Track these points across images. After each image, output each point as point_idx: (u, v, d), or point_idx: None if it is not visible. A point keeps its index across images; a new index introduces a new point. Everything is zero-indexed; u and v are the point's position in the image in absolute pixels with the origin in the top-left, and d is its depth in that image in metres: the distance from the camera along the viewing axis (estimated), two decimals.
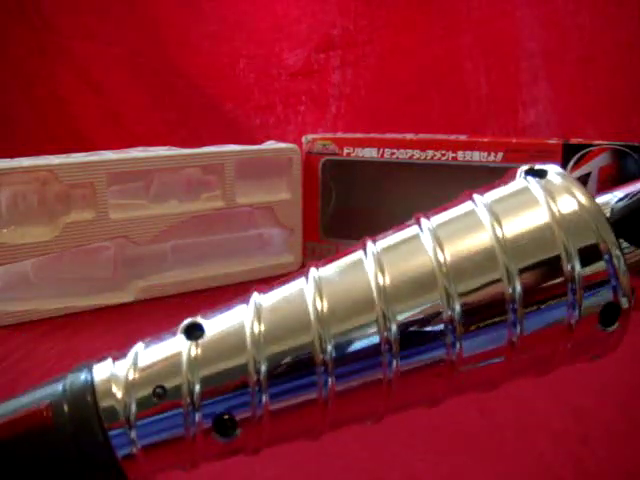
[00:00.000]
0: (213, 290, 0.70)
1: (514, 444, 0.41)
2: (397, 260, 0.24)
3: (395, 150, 0.73)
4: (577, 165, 0.66)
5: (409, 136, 0.74)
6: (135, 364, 0.25)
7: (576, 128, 0.80)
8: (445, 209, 0.25)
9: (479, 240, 0.23)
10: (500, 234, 0.23)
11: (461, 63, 0.86)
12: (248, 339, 0.24)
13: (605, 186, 0.65)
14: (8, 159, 0.62)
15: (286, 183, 0.75)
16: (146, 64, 0.97)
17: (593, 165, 0.65)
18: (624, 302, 0.23)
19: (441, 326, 0.23)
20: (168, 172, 0.68)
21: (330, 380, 0.23)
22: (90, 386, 0.24)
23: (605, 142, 0.65)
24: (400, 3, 0.87)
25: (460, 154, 0.71)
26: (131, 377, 0.24)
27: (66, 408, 0.24)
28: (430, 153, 0.72)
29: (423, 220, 0.25)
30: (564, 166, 0.67)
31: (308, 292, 0.24)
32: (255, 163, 0.73)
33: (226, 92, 0.96)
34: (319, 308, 0.23)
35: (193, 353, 0.24)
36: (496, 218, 0.24)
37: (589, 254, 0.23)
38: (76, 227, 0.63)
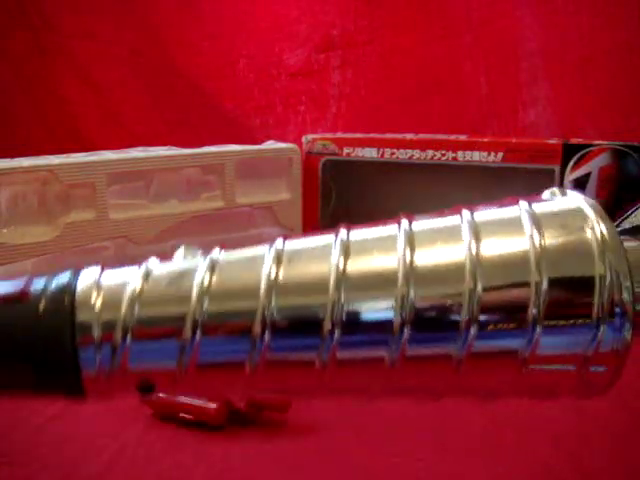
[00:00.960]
0: None
1: (514, 444, 0.41)
2: (429, 243, 0.24)
3: (395, 150, 0.73)
4: (577, 165, 0.66)
5: (409, 136, 0.74)
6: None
7: (576, 128, 0.80)
8: (490, 207, 0.25)
9: (518, 243, 0.23)
10: (540, 242, 0.23)
11: (461, 63, 0.86)
12: (263, 285, 0.23)
13: (605, 186, 0.65)
14: (8, 159, 0.62)
15: (286, 183, 0.75)
16: (146, 64, 0.97)
17: (593, 165, 0.65)
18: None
19: (458, 318, 0.22)
20: (168, 172, 0.68)
21: (333, 345, 0.23)
22: (71, 293, 0.23)
23: (605, 142, 0.65)
24: (400, 3, 0.87)
25: (460, 154, 0.71)
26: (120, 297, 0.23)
27: (41, 307, 0.23)
28: (430, 153, 0.72)
29: (465, 212, 0.25)
30: (564, 166, 0.67)
31: (334, 253, 0.24)
32: (255, 163, 0.73)
33: (226, 92, 0.96)
34: (340, 270, 0.23)
35: (206, 281, 0.23)
36: (538, 227, 0.23)
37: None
38: (76, 227, 0.63)
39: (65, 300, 0.23)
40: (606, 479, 0.38)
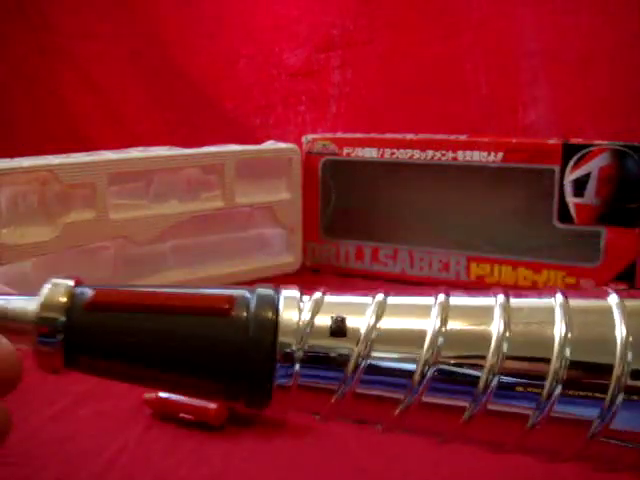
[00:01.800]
0: None
1: None
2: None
3: (395, 150, 0.73)
4: (577, 165, 0.66)
5: (409, 136, 0.74)
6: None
7: (576, 128, 0.80)
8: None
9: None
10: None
11: (461, 63, 0.85)
12: (427, 341, 0.25)
13: (605, 186, 0.65)
14: (8, 159, 0.62)
15: (286, 183, 0.75)
16: (146, 64, 0.97)
17: (593, 165, 0.65)
18: None
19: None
20: (168, 172, 0.68)
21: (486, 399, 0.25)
22: (274, 315, 0.25)
23: (605, 142, 0.65)
24: (400, 3, 0.87)
25: (460, 154, 0.71)
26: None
27: (249, 311, 0.25)
28: (430, 153, 0.72)
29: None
30: (564, 166, 0.67)
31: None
32: (255, 163, 0.73)
33: (226, 92, 0.96)
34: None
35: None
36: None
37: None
38: (76, 227, 0.63)
39: (269, 321, 0.25)
40: (606, 479, 0.38)
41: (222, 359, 0.25)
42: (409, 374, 0.25)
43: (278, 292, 0.26)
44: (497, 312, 0.25)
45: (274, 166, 0.75)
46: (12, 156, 0.63)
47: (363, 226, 0.78)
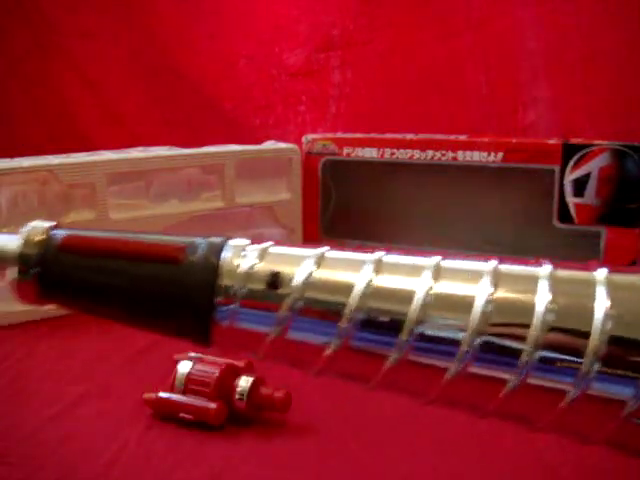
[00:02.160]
0: None
1: (514, 444, 0.41)
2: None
3: (395, 150, 0.73)
4: (577, 165, 0.66)
5: (409, 136, 0.74)
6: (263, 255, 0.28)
7: (576, 128, 0.80)
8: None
9: (591, 302, 0.25)
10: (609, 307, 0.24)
11: (461, 63, 0.85)
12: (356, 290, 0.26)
13: (605, 186, 0.65)
14: (8, 159, 0.62)
15: (286, 183, 0.75)
16: (146, 64, 0.97)
17: (593, 165, 0.65)
18: None
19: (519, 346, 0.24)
20: (168, 172, 0.68)
21: (405, 349, 0.26)
22: (217, 260, 0.27)
23: (605, 142, 0.65)
24: (400, 3, 0.87)
25: (460, 154, 0.71)
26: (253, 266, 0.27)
27: (196, 257, 0.27)
28: (430, 153, 0.72)
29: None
30: (564, 166, 0.67)
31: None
32: (255, 163, 0.73)
33: (226, 92, 0.96)
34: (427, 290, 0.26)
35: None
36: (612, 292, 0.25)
37: None
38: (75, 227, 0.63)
39: (211, 265, 0.27)
40: (606, 479, 0.38)
41: (171, 300, 0.28)
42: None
43: (226, 241, 0.28)
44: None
45: (274, 166, 0.75)
46: (12, 156, 0.63)
47: (363, 226, 0.78)
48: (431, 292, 0.26)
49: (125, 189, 0.68)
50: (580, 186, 0.66)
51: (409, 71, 0.88)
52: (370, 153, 0.75)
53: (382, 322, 0.26)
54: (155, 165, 0.67)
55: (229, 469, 0.39)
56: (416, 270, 0.26)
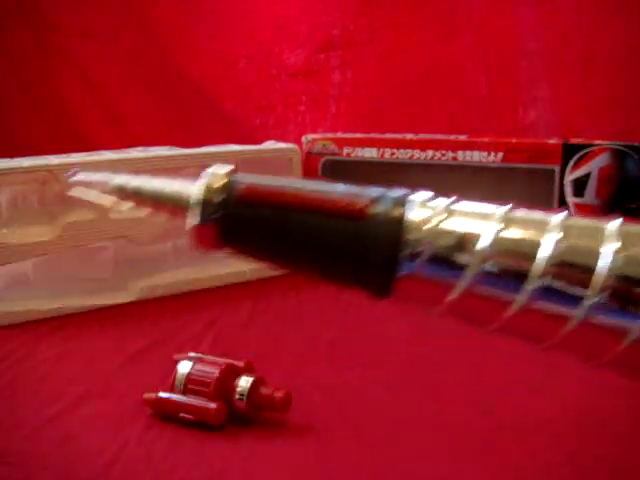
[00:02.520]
0: (213, 290, 0.70)
1: (514, 444, 0.41)
2: None
3: (395, 150, 0.73)
4: (577, 165, 0.66)
5: (409, 136, 0.74)
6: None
7: (576, 128, 0.80)
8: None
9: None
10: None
11: (461, 63, 0.86)
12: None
13: (605, 186, 0.65)
14: (8, 159, 0.62)
15: None
16: (146, 64, 0.97)
17: (593, 165, 0.65)
18: None
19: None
20: (168, 172, 0.68)
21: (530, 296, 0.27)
22: (403, 213, 0.28)
23: (605, 142, 0.65)
24: (400, 3, 0.87)
25: (460, 154, 0.71)
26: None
27: (381, 212, 0.28)
28: (430, 153, 0.72)
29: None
30: (564, 166, 0.67)
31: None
32: (255, 163, 0.73)
33: (226, 92, 0.96)
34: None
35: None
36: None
37: None
38: (76, 227, 0.63)
39: (397, 220, 0.28)
40: (606, 479, 0.38)
41: (354, 254, 0.28)
42: (524, 280, 0.27)
43: (408, 194, 0.30)
44: (609, 233, 0.27)
45: (274, 166, 0.75)
46: (12, 156, 0.63)
47: None
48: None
49: None
50: (580, 186, 0.66)
51: (409, 71, 0.88)
52: (370, 153, 0.75)
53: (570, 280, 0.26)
54: (155, 165, 0.67)
55: (229, 469, 0.39)
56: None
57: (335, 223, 0.28)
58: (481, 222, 0.28)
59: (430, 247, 0.27)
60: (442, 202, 0.29)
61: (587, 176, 0.66)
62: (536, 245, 0.27)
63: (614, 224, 0.27)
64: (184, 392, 0.43)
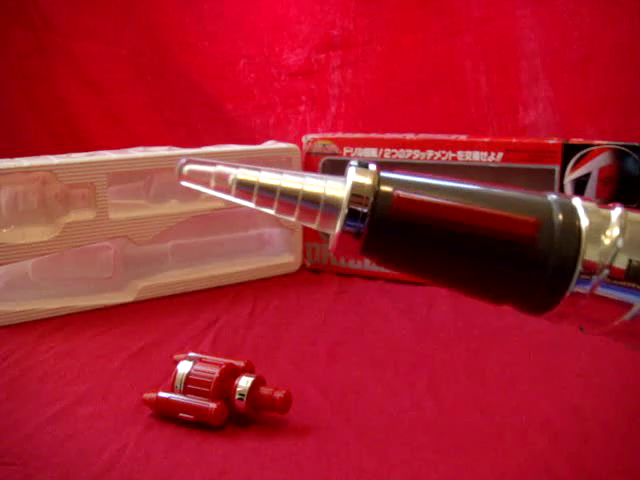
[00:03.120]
0: (213, 290, 0.70)
1: (514, 444, 0.41)
2: None
3: (395, 150, 0.73)
4: (577, 165, 0.66)
5: (409, 136, 0.74)
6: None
7: (576, 128, 0.80)
8: None
9: None
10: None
11: (461, 63, 0.85)
12: None
13: (605, 186, 0.65)
14: (8, 159, 0.62)
15: None
16: (146, 64, 0.97)
17: (593, 165, 0.65)
18: None
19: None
20: (168, 172, 0.68)
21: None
22: (578, 225, 0.26)
23: (605, 142, 0.65)
24: (400, 3, 0.87)
25: (460, 154, 0.71)
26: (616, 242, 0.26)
27: (554, 233, 0.26)
28: (430, 153, 0.72)
29: None
30: (564, 166, 0.67)
31: None
32: (255, 163, 0.73)
33: (226, 92, 0.96)
34: None
35: None
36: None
37: None
38: (76, 227, 0.63)
39: (573, 243, 0.26)
40: (606, 479, 0.38)
41: (522, 279, 0.26)
42: None
43: (576, 207, 0.27)
44: None
45: (274, 166, 0.75)
46: (12, 156, 0.63)
47: None
48: None
49: (125, 189, 0.68)
50: (580, 186, 0.66)
51: (409, 71, 0.88)
52: (370, 153, 0.75)
53: None
54: (155, 165, 0.67)
55: (229, 469, 0.39)
56: None
57: (501, 246, 0.26)
58: None
59: (605, 270, 0.25)
60: (614, 212, 0.27)
61: (587, 176, 0.66)
62: None
63: None
64: (184, 392, 0.43)
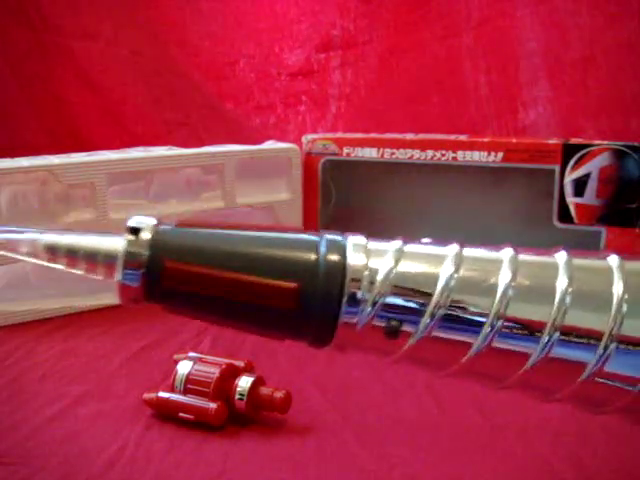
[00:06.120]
0: None
1: (514, 444, 0.41)
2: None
3: (395, 150, 0.73)
4: (577, 165, 0.66)
5: (409, 136, 0.74)
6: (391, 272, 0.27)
7: (576, 128, 0.80)
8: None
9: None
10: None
11: (461, 63, 0.86)
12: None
13: (605, 186, 0.65)
14: (8, 159, 0.62)
15: (286, 183, 0.75)
16: (146, 64, 0.97)
17: (593, 165, 0.65)
18: None
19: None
20: (168, 172, 0.68)
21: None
22: (342, 274, 0.27)
23: (605, 142, 0.65)
24: (400, 3, 0.87)
25: (460, 154, 0.71)
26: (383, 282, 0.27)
27: (314, 299, 0.27)
28: (430, 153, 0.72)
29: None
30: (564, 166, 0.67)
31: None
32: (255, 163, 0.73)
33: (226, 92, 0.96)
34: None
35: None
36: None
37: None
38: (76, 227, 0.63)
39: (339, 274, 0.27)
40: (606, 479, 0.38)
41: (289, 330, 0.28)
42: (480, 324, 0.27)
43: (345, 265, 0.27)
44: (562, 270, 0.27)
45: (274, 166, 0.75)
46: (12, 156, 0.63)
47: (363, 226, 0.77)
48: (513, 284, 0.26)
49: (125, 189, 0.68)
50: (580, 186, 0.66)
51: (409, 71, 0.88)
52: (370, 153, 0.75)
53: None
54: (155, 165, 0.67)
55: (229, 469, 0.39)
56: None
57: (267, 312, 0.27)
58: (432, 266, 0.27)
59: (376, 295, 0.27)
60: (384, 246, 0.28)
61: (587, 176, 0.66)
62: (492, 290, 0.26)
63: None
64: (184, 392, 0.43)
